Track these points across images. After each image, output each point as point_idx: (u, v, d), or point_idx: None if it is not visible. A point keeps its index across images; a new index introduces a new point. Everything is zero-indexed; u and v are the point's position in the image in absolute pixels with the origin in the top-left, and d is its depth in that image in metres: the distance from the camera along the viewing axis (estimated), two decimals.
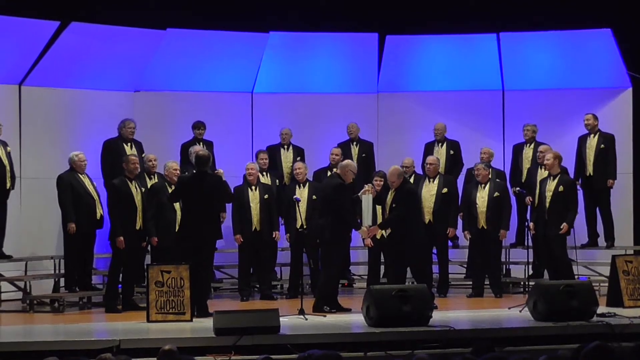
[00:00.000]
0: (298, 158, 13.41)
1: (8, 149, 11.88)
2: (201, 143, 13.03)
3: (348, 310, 10.71)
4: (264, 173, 12.85)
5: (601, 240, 13.00)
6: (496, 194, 12.27)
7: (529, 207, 12.44)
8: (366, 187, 10.94)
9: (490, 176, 12.44)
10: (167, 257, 10.82)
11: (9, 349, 8.27)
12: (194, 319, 9.86)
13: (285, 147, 13.58)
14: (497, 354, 6.58)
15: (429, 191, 12.37)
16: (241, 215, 12.23)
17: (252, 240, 12.22)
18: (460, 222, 12.68)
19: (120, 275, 11.14)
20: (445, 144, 13.50)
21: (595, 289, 10.84)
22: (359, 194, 10.91)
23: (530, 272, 12.49)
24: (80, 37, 12.87)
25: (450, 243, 12.81)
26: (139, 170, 11.40)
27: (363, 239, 11.76)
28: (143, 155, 12.30)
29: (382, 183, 11.41)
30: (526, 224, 11.93)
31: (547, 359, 5.96)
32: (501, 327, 9.38)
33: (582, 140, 13.07)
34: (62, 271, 11.93)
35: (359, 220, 11.05)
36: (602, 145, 12.90)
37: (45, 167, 12.68)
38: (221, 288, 13.40)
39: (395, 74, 14.53)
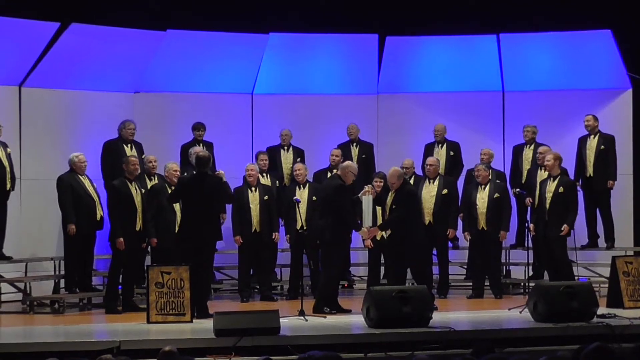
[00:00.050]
0: (298, 159, 13.40)
1: (8, 150, 11.88)
2: (201, 144, 13.02)
3: (348, 312, 10.71)
4: (264, 174, 12.85)
5: (601, 242, 12.99)
6: (496, 195, 12.27)
7: (529, 208, 12.43)
8: (366, 188, 10.94)
9: (490, 177, 12.44)
10: (167, 258, 10.82)
11: (9, 350, 8.27)
12: (194, 320, 9.86)
13: (285, 148, 13.57)
14: (497, 355, 6.58)
15: (429, 192, 12.37)
16: (241, 217, 12.22)
17: (252, 241, 12.22)
18: (460, 223, 12.68)
19: (121, 276, 11.14)
20: (445, 145, 13.49)
21: (596, 290, 10.84)
22: (359, 195, 10.91)
23: (530, 273, 12.48)
24: (81, 38, 12.87)
25: (450, 244, 12.80)
26: (139, 171, 11.40)
27: (363, 240, 11.77)
28: (143, 156, 12.30)
29: (382, 184, 11.40)
30: (526, 225, 11.93)
31: None
32: (501, 328, 9.37)
33: (582, 142, 13.07)
34: (62, 272, 11.93)
35: (359, 221, 11.05)
36: (602, 146, 12.89)
37: (45, 169, 12.68)
38: (221, 289, 13.40)
39: (395, 75, 14.53)
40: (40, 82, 12.89)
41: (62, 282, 11.89)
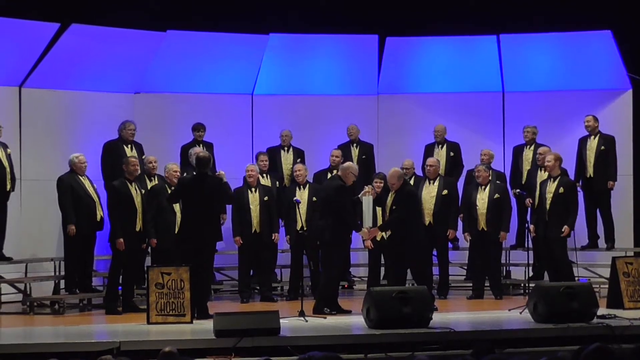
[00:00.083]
0: (298, 160, 13.40)
1: (8, 150, 11.88)
2: (201, 145, 13.02)
3: (348, 312, 10.71)
4: (264, 175, 12.85)
5: (601, 242, 12.99)
6: (496, 195, 12.27)
7: (529, 208, 12.43)
8: (366, 188, 10.94)
9: (490, 178, 12.44)
10: (167, 258, 10.82)
11: (9, 351, 8.27)
12: (194, 321, 9.87)
13: (286, 148, 13.57)
14: (497, 355, 6.58)
15: (429, 193, 12.37)
16: (241, 217, 12.22)
17: (252, 242, 12.22)
18: (460, 223, 12.68)
19: (121, 277, 11.14)
20: (445, 146, 13.49)
21: (596, 291, 10.83)
22: (359, 196, 10.91)
23: (531, 273, 12.48)
24: (81, 39, 12.87)
25: (450, 245, 12.80)
26: (139, 172, 11.40)
27: (363, 241, 11.77)
28: (143, 157, 12.30)
29: (382, 185, 11.39)
30: (526, 225, 11.92)
31: None
32: (501, 329, 9.35)
33: (583, 142, 13.07)
34: (62, 273, 11.93)
35: (359, 222, 11.05)
36: (603, 147, 12.89)
37: (45, 169, 12.68)
38: (221, 290, 13.40)
39: (395, 75, 14.53)
40: (40, 82, 12.89)
41: (62, 283, 11.90)
